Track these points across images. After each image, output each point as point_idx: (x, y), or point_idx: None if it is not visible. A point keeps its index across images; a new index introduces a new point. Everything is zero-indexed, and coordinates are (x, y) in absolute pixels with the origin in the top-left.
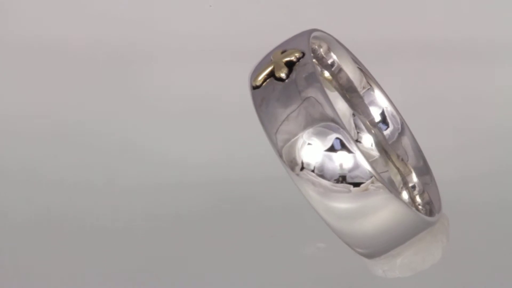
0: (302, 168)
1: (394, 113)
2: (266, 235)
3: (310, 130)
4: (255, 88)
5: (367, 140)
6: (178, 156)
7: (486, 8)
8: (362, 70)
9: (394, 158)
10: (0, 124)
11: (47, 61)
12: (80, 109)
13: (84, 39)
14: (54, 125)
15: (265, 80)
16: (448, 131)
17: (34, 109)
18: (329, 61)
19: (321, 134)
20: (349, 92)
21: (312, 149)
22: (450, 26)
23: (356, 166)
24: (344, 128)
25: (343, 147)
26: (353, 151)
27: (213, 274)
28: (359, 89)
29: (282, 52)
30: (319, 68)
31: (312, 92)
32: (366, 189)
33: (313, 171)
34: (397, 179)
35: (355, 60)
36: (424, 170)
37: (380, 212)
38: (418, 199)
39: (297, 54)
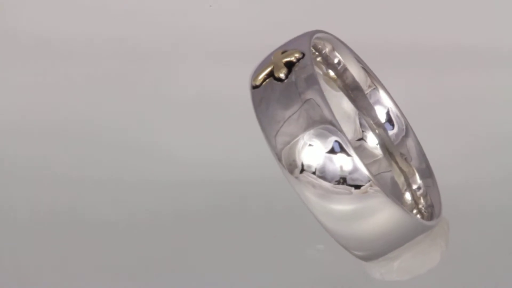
0: (302, 171)
1: (399, 114)
2: (268, 235)
3: (311, 131)
4: (254, 87)
5: (372, 139)
6: (182, 154)
7: (495, 13)
8: (366, 70)
9: (398, 159)
10: (8, 119)
11: (49, 58)
12: (84, 105)
13: (80, 35)
14: (58, 122)
15: (264, 80)
16: (452, 136)
17: (39, 105)
18: (335, 61)
19: (321, 136)
20: (354, 91)
21: (313, 151)
22: (459, 30)
23: (355, 169)
24: (341, 131)
25: (342, 149)
26: (351, 155)
27: (213, 274)
28: (364, 88)
29: (283, 53)
30: (324, 67)
31: (311, 94)
32: (366, 192)
33: (314, 173)
34: (401, 180)
35: (359, 60)
36: (426, 173)
37: (378, 214)
38: (422, 201)
39: (297, 55)
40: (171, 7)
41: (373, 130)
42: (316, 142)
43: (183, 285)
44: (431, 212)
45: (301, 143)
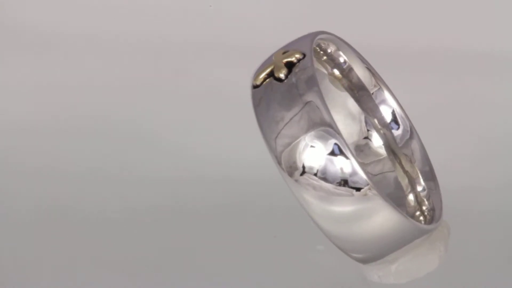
0: (303, 173)
1: (403, 116)
2: (268, 235)
3: (312, 133)
4: (255, 87)
5: (377, 139)
6: (187, 151)
7: (503, 18)
8: (371, 70)
9: (402, 160)
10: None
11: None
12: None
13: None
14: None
15: (265, 79)
16: (455, 139)
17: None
18: (340, 60)
19: (322, 138)
20: (360, 91)
21: (315, 152)
22: (464, 34)
23: (354, 172)
24: (339, 134)
25: (341, 152)
26: (349, 158)
27: (212, 274)
28: (369, 88)
29: (284, 53)
30: (330, 67)
31: (312, 96)
32: (366, 194)
33: (315, 174)
34: (405, 182)
35: (363, 61)
36: (429, 176)
37: (376, 217)
38: (426, 203)
39: (297, 55)
40: (171, 7)
41: (378, 131)
42: (318, 144)
43: (183, 284)
44: (432, 216)
45: (302, 144)
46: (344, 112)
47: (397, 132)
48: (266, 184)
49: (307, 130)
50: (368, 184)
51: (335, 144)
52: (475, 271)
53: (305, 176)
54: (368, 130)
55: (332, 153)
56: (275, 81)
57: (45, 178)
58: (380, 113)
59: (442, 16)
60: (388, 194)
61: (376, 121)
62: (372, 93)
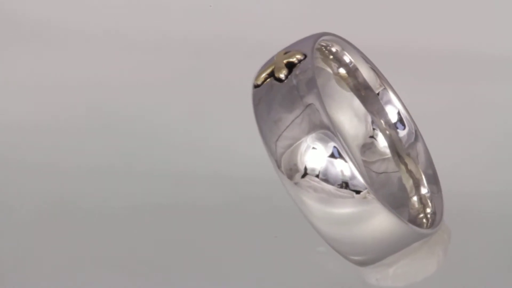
0: (305, 175)
1: (408, 117)
2: (269, 235)
3: (313, 135)
4: (256, 87)
5: (382, 139)
6: (189, 150)
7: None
8: (375, 70)
9: (407, 161)
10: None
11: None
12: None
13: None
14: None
15: (265, 79)
16: (460, 143)
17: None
18: (346, 60)
19: (322, 140)
20: (366, 91)
21: (316, 154)
22: (471, 37)
23: (353, 176)
24: (338, 136)
25: (340, 155)
26: (347, 161)
27: (212, 273)
28: (375, 88)
29: (285, 53)
30: (336, 66)
31: (312, 99)
32: (365, 197)
33: (317, 176)
34: (409, 184)
35: (367, 61)
36: (432, 180)
37: (374, 220)
38: (430, 205)
39: (298, 56)
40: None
41: (383, 131)
42: (319, 146)
43: (183, 284)
44: (433, 219)
45: (304, 146)
46: (350, 112)
47: (402, 133)
48: (268, 184)
49: (308, 132)
50: (365, 188)
51: (334, 147)
52: (476, 276)
53: (306, 178)
54: (374, 129)
55: (332, 156)
56: (275, 81)
57: (46, 175)
58: (386, 114)
59: (448, 17)
60: (391, 194)
61: (382, 121)
62: (378, 93)
